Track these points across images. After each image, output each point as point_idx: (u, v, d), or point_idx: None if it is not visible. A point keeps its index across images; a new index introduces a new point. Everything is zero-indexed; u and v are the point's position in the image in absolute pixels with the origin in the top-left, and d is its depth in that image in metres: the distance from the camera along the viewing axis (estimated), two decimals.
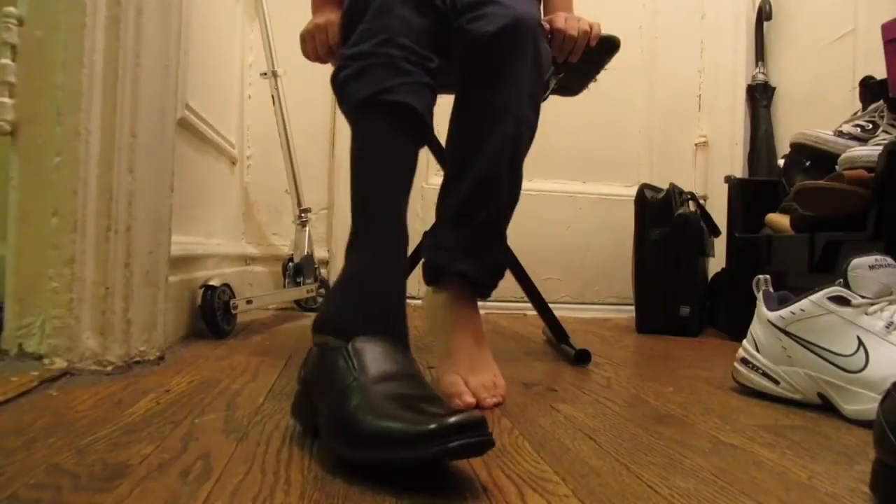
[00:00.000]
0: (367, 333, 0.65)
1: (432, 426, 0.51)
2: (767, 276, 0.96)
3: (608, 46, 1.13)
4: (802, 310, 0.87)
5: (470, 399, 0.79)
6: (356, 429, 0.55)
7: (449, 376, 0.83)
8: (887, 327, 0.80)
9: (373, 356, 0.63)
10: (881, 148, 1.18)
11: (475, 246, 0.90)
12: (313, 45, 1.05)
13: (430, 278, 0.92)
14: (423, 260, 0.94)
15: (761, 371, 0.92)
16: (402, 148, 0.82)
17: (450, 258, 0.89)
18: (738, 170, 2.23)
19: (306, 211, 1.80)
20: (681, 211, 1.74)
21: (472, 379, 0.82)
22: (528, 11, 0.92)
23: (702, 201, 1.85)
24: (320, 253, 1.97)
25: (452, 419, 0.51)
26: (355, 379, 0.60)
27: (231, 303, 1.37)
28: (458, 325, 0.87)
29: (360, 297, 0.72)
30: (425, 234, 0.97)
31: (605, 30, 1.13)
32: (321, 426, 0.61)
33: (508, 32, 0.89)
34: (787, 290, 0.95)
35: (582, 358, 1.19)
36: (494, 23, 0.88)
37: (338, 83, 0.85)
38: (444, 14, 0.90)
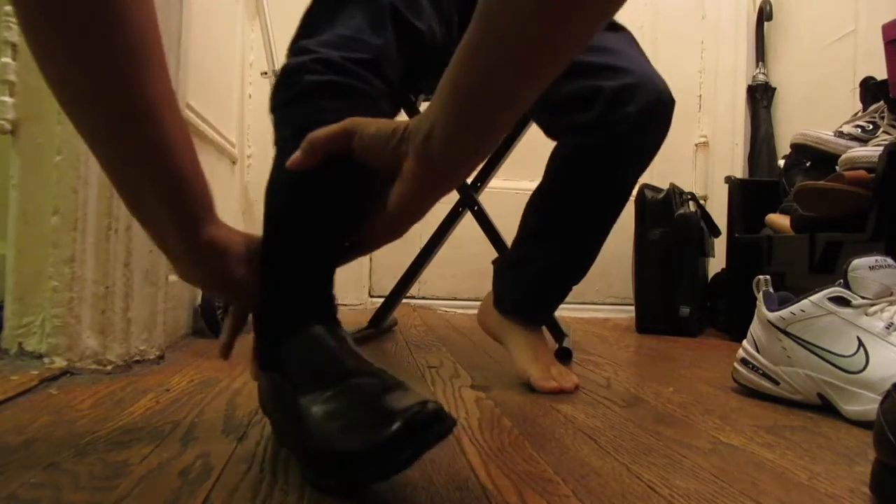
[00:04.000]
0: (290, 335, 0.59)
1: (387, 437, 0.45)
2: (768, 277, 0.95)
3: None
4: (802, 310, 0.87)
5: (554, 384, 0.91)
6: (313, 457, 0.50)
7: (535, 367, 0.95)
8: (887, 328, 0.80)
9: (304, 360, 0.56)
10: (881, 149, 1.18)
11: (555, 297, 1.03)
12: None
13: (506, 311, 1.00)
14: (494, 286, 1.03)
15: (761, 371, 0.92)
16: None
17: (530, 308, 1.00)
18: (739, 170, 2.23)
19: None
20: (681, 211, 1.74)
21: (554, 370, 0.95)
22: (663, 82, 0.88)
23: (702, 201, 1.85)
24: None
25: (400, 423, 0.45)
26: (290, 399, 0.54)
27: None
28: (536, 344, 0.99)
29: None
30: (495, 260, 1.05)
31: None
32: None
33: (653, 114, 0.86)
34: (788, 290, 0.94)
35: (563, 355, 1.19)
36: (637, 101, 0.85)
37: (300, 88, 0.68)
38: (425, 53, 0.79)
